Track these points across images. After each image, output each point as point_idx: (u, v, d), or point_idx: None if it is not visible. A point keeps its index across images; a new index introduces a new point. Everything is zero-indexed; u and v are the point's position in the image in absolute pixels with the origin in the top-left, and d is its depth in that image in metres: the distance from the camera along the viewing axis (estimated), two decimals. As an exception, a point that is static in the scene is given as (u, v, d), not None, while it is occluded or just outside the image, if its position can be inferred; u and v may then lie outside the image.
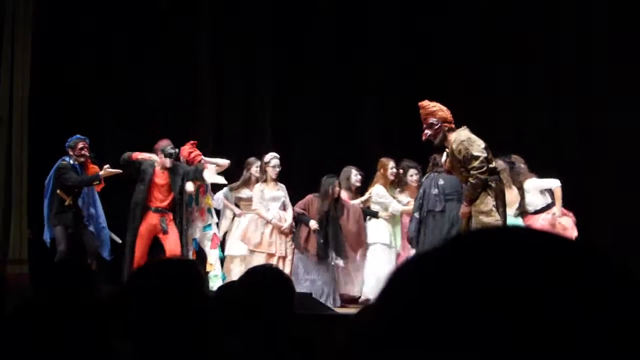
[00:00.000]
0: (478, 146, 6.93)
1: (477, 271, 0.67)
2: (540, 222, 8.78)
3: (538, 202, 8.95)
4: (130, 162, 8.98)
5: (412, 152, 9.61)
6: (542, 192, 8.98)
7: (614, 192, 10.03)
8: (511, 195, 8.47)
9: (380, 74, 11.85)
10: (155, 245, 9.31)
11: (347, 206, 9.37)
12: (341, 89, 11.66)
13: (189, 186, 8.87)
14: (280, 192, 9.26)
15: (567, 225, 8.80)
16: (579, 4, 11.20)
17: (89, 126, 10.20)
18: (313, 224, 9.12)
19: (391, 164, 9.49)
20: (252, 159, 9.58)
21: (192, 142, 9.29)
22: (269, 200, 9.17)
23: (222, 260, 9.25)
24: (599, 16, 10.94)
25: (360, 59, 11.85)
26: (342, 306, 9.07)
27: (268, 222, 9.13)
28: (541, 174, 9.15)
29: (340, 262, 9.16)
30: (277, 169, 9.23)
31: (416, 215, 8.52)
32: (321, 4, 11.94)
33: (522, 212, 8.85)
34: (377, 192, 9.37)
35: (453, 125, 7.17)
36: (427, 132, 7.28)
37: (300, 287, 8.60)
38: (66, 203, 8.69)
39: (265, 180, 9.24)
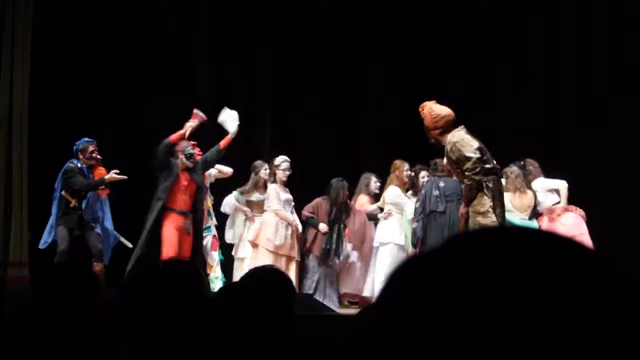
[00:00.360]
0: (471, 147, 6.95)
1: (474, 272, 0.66)
2: (559, 220, 8.84)
3: (547, 201, 8.98)
4: (169, 149, 8.67)
5: (412, 152, 9.62)
6: (551, 191, 9.01)
7: (614, 192, 10.03)
8: (526, 198, 8.65)
9: (381, 74, 11.85)
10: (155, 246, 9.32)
11: (354, 210, 9.46)
12: (341, 89, 11.66)
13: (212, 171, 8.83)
14: (290, 195, 9.28)
15: (566, 222, 8.82)
16: (579, 4, 11.21)
17: (89, 127, 10.20)
18: (323, 227, 9.15)
19: (405, 166, 9.52)
20: (259, 162, 9.58)
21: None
22: (283, 202, 9.17)
23: (222, 262, 9.25)
24: (599, 16, 10.94)
25: (361, 59, 11.86)
26: (343, 306, 9.09)
27: (289, 223, 9.10)
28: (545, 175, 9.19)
29: (337, 260, 9.21)
30: (288, 172, 9.23)
31: (421, 216, 8.59)
32: (321, 3, 11.94)
33: (537, 214, 8.89)
34: (394, 192, 9.38)
35: (439, 131, 7.14)
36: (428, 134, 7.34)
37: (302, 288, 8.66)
38: (71, 205, 8.70)
39: (273, 182, 9.22)
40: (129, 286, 2.43)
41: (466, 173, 6.94)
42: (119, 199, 9.44)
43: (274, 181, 9.21)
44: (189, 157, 8.65)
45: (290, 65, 11.72)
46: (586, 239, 8.34)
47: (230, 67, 11.73)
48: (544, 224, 8.78)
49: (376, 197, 9.82)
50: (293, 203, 9.31)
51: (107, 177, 8.66)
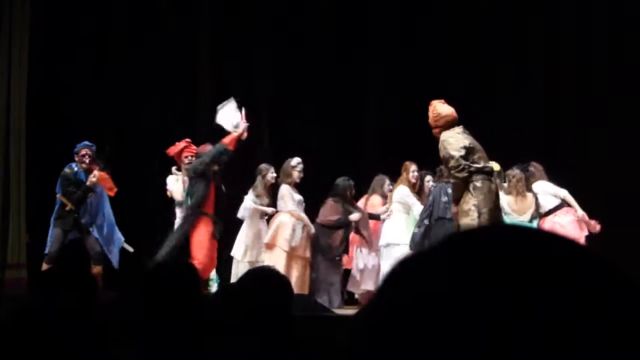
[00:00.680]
0: (456, 145, 7.07)
1: (472, 270, 0.66)
2: (549, 223, 8.89)
3: (547, 204, 9.03)
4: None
5: (412, 152, 9.64)
6: (552, 196, 9.07)
7: (613, 192, 10.05)
8: (526, 202, 8.84)
9: (381, 74, 11.86)
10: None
11: (360, 209, 9.55)
12: (341, 89, 11.67)
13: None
14: (300, 195, 9.34)
15: (562, 223, 8.87)
16: (579, 3, 11.22)
17: (87, 128, 10.22)
18: (356, 216, 9.29)
19: (413, 167, 9.56)
20: (265, 166, 9.56)
21: (186, 140, 9.25)
22: (297, 203, 9.20)
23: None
24: (599, 16, 10.95)
25: (361, 59, 11.87)
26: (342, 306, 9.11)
27: (306, 224, 9.12)
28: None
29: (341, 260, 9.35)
30: (301, 174, 9.27)
31: (425, 222, 8.62)
32: (321, 3, 11.95)
33: (539, 215, 8.98)
34: (402, 191, 9.42)
35: (438, 130, 7.26)
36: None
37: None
38: (67, 208, 8.73)
39: (284, 183, 9.22)
40: (130, 289, 2.43)
41: (451, 171, 7.13)
42: (118, 199, 9.44)
43: (285, 182, 9.21)
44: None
45: (289, 65, 11.73)
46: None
47: (230, 67, 11.73)
48: (546, 225, 8.81)
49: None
50: (304, 204, 9.36)
51: (88, 182, 8.71)
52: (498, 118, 10.99)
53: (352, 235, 9.49)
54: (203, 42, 11.62)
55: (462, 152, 7.07)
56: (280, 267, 8.75)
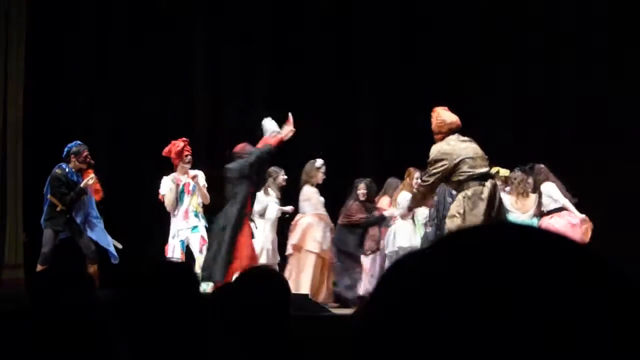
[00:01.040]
0: (437, 152, 7.20)
1: (470, 270, 0.66)
2: (544, 224, 8.94)
3: (549, 205, 9.14)
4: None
5: (410, 152, 9.65)
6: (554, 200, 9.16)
7: (614, 192, 10.06)
8: (528, 201, 9.06)
9: (380, 74, 11.83)
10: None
11: (379, 209, 9.65)
12: (340, 90, 11.65)
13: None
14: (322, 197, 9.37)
15: (557, 225, 8.90)
16: (579, 4, 11.21)
17: (85, 130, 10.20)
18: (390, 212, 9.39)
19: (417, 174, 9.59)
20: (275, 169, 9.53)
21: (183, 139, 9.19)
22: (322, 205, 9.26)
23: None
24: (599, 16, 10.94)
25: (361, 59, 11.83)
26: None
27: (331, 227, 9.14)
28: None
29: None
30: (324, 176, 9.34)
31: (435, 221, 8.66)
32: (321, 4, 11.93)
33: (540, 214, 9.09)
34: (406, 197, 9.45)
35: (441, 136, 7.34)
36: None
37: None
38: (58, 209, 8.69)
39: (306, 184, 9.23)
40: (127, 288, 2.43)
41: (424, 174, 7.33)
42: (117, 200, 9.43)
43: (308, 183, 9.21)
44: None
45: (288, 66, 11.69)
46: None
47: (229, 66, 11.70)
48: (542, 225, 8.86)
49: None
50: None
51: (82, 184, 8.69)
52: (498, 118, 10.99)
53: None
54: (200, 42, 11.59)
55: (440, 158, 7.18)
56: (310, 269, 8.75)
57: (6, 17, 9.72)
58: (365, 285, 9.54)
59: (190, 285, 2.52)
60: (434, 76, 11.37)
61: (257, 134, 11.57)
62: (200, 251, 8.82)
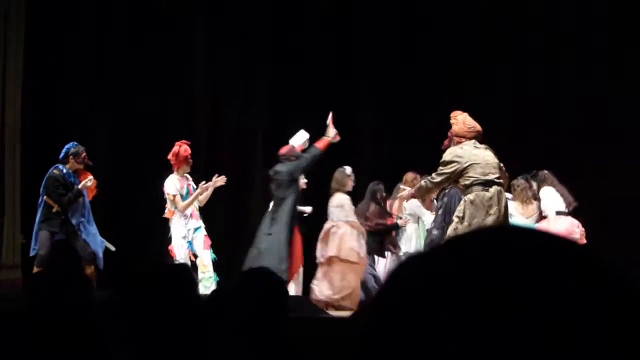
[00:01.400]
0: (450, 155, 7.37)
1: (468, 271, 0.67)
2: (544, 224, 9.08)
3: (545, 209, 9.26)
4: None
5: (410, 153, 9.67)
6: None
7: (613, 193, 10.08)
8: (531, 207, 9.24)
9: (380, 74, 11.82)
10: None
11: (389, 213, 9.73)
12: (338, 91, 11.64)
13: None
14: None
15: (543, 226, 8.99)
16: (579, 4, 11.23)
17: (85, 130, 10.19)
18: (403, 221, 9.51)
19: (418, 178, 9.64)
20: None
21: (186, 142, 9.19)
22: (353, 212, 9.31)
23: (215, 261, 9.22)
24: (599, 16, 10.95)
25: (360, 59, 11.83)
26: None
27: (363, 234, 9.13)
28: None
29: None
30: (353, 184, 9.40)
31: (442, 224, 8.71)
32: (321, 4, 11.93)
33: (541, 217, 9.26)
34: (413, 202, 9.49)
35: (463, 140, 7.50)
36: (445, 141, 7.80)
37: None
38: (53, 210, 8.68)
39: (338, 192, 9.23)
40: (124, 289, 2.43)
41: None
42: (116, 200, 9.42)
43: (341, 191, 9.20)
44: None
45: (287, 66, 11.69)
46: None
47: (229, 66, 11.69)
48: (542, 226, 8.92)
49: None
50: None
51: (80, 186, 8.69)
52: (498, 117, 11.00)
53: None
54: (200, 42, 11.58)
55: (450, 160, 7.35)
56: (353, 279, 8.75)
57: (5, 17, 9.71)
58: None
59: (188, 286, 2.52)
60: (434, 76, 11.38)
61: (256, 134, 11.59)
62: (206, 249, 8.89)
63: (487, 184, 7.29)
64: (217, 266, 9.23)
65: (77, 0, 10.97)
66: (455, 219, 7.24)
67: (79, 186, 8.74)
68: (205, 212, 9.29)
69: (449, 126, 7.66)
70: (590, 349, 0.63)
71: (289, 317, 2.88)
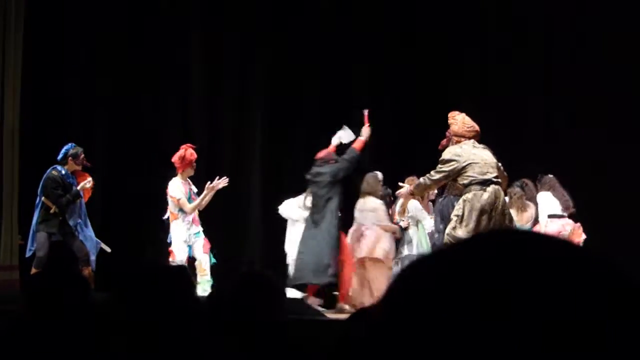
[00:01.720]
0: (449, 153, 7.45)
1: (469, 272, 0.67)
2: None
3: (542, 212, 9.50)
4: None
5: (411, 152, 9.67)
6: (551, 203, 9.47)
7: (613, 193, 10.09)
8: (527, 214, 9.43)
9: (379, 74, 11.81)
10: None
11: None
12: (337, 91, 11.63)
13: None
14: None
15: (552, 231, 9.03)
16: (579, 4, 11.24)
17: (83, 131, 10.18)
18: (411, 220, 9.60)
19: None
20: None
21: (191, 145, 9.17)
22: None
23: (214, 265, 9.23)
24: (600, 16, 10.96)
25: (360, 59, 11.82)
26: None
27: (393, 236, 9.35)
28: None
29: None
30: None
31: (441, 226, 8.76)
32: (321, 4, 11.92)
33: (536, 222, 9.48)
34: (415, 206, 9.53)
35: (462, 140, 7.58)
36: (443, 141, 7.94)
37: None
38: (51, 211, 8.67)
39: (369, 195, 9.33)
40: (123, 290, 2.43)
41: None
42: (115, 201, 9.40)
43: (373, 195, 9.29)
44: None
45: (287, 66, 11.68)
46: None
47: (226, 66, 11.67)
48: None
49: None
50: None
51: (79, 187, 8.70)
52: (498, 117, 11.01)
53: None
54: (197, 42, 11.57)
55: (450, 158, 7.43)
56: (385, 279, 8.81)
57: (4, 17, 9.70)
58: None
59: (186, 287, 2.52)
60: (433, 76, 11.37)
61: (256, 134, 11.58)
62: (205, 252, 8.92)
63: (485, 184, 7.36)
64: (215, 267, 9.24)
65: (77, 1, 10.96)
66: (453, 218, 7.31)
67: (78, 188, 8.74)
68: (206, 212, 9.29)
69: (447, 127, 7.76)
70: (591, 349, 0.63)
71: (288, 319, 2.88)
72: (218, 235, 10.10)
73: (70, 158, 8.81)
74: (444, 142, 7.95)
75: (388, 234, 9.21)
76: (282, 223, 9.73)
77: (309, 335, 3.52)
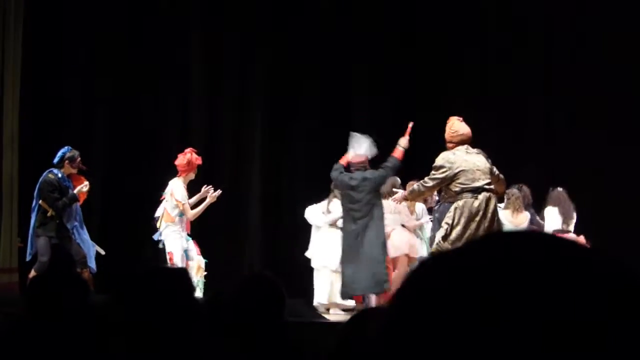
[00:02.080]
0: (442, 160, 7.46)
1: (470, 275, 0.68)
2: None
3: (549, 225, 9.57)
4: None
5: (408, 154, 9.67)
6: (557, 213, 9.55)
7: (613, 193, 10.10)
8: (522, 217, 9.49)
9: (379, 74, 11.82)
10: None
11: None
12: (336, 91, 11.64)
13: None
14: None
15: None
16: (579, 4, 11.25)
17: (82, 133, 10.19)
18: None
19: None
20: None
21: (193, 149, 9.15)
22: None
23: (206, 265, 9.24)
24: (599, 16, 10.97)
25: (360, 59, 11.83)
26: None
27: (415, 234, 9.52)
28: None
29: None
30: None
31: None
32: (321, 4, 11.92)
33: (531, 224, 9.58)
34: (420, 207, 9.68)
35: (451, 145, 7.57)
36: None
37: None
38: (48, 214, 8.66)
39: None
40: (123, 292, 2.43)
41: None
42: (114, 202, 9.40)
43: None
44: None
45: (286, 66, 11.68)
46: None
47: (226, 66, 11.68)
48: None
49: None
50: None
51: (75, 191, 8.70)
52: (497, 117, 11.02)
53: None
54: (196, 42, 11.58)
55: (442, 164, 7.45)
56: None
57: (3, 18, 9.71)
58: None
59: (187, 289, 2.52)
60: (433, 76, 11.38)
61: (256, 134, 11.58)
62: (199, 254, 8.93)
63: (476, 191, 7.37)
64: (215, 267, 9.26)
65: (77, 1, 10.97)
66: (444, 225, 7.33)
67: (75, 191, 8.73)
68: (205, 212, 9.29)
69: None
70: (591, 349, 0.63)
71: (289, 322, 2.88)
72: (218, 235, 10.10)
73: (66, 161, 8.80)
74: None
75: (408, 232, 9.40)
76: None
77: (310, 338, 3.52)
